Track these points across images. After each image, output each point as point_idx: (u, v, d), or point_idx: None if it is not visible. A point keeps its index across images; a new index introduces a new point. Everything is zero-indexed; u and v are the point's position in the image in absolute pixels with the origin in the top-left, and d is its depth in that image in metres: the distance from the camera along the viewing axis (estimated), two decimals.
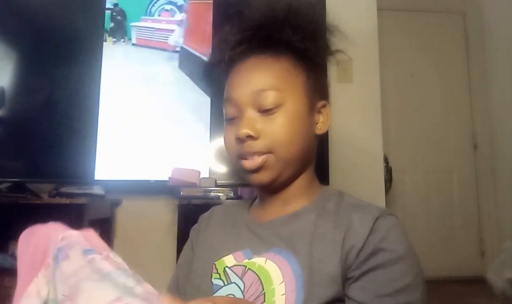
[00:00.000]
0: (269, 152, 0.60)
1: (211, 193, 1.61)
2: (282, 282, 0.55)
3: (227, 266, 0.60)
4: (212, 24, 1.90)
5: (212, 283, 0.61)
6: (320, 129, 0.66)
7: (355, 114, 1.97)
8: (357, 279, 0.53)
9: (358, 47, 2.05)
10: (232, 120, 0.64)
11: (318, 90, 0.66)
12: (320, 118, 0.66)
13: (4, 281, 1.47)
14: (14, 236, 1.78)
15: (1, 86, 1.76)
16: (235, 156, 0.63)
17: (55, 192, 1.64)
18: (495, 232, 3.11)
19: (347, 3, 2.00)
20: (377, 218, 0.56)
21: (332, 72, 1.98)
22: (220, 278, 0.60)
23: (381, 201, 1.91)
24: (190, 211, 1.53)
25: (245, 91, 0.62)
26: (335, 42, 0.68)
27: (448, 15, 3.44)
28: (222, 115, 0.67)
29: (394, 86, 3.17)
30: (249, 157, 0.61)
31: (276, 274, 0.56)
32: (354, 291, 0.53)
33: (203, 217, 0.76)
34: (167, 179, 1.66)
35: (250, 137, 0.60)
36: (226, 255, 0.62)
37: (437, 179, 3.26)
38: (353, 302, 0.53)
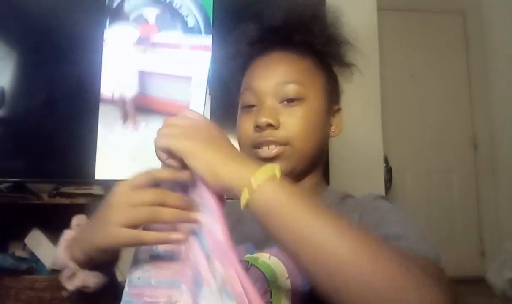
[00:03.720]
0: (286, 143, 0.60)
1: None
2: (288, 277, 0.54)
3: None
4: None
5: None
6: (334, 132, 0.69)
7: (355, 114, 1.97)
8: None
9: (358, 47, 2.05)
10: (249, 109, 0.64)
11: (334, 94, 0.70)
12: (335, 121, 0.70)
13: (4, 281, 1.47)
14: (14, 236, 1.78)
15: (1, 86, 1.76)
16: (250, 145, 0.63)
17: (55, 192, 1.64)
18: (495, 232, 3.11)
19: (347, 3, 2.00)
20: (380, 197, 0.61)
21: None
22: None
23: None
24: None
25: (269, 82, 0.63)
26: (349, 56, 0.71)
27: (448, 15, 3.44)
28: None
29: (394, 86, 3.17)
30: (266, 146, 0.61)
31: (281, 270, 0.55)
32: None
33: None
34: None
35: (270, 125, 0.60)
36: None
37: (437, 179, 3.26)
38: None
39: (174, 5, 1.90)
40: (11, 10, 1.83)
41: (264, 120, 0.60)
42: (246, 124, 0.63)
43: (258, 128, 0.61)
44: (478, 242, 3.21)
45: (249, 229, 0.62)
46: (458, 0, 3.44)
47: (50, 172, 1.73)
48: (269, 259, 0.57)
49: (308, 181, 0.65)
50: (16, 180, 1.68)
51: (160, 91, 1.85)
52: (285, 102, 0.62)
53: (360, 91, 2.01)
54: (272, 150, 0.60)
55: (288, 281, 0.54)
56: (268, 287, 0.55)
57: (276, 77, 0.63)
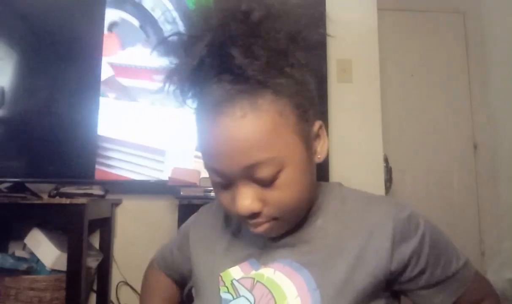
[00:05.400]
0: (275, 219, 0.53)
1: (211, 193, 1.61)
2: (298, 296, 0.52)
3: (234, 279, 0.57)
4: None
5: (221, 297, 0.57)
6: (319, 157, 0.56)
7: (355, 114, 1.97)
8: (429, 285, 0.58)
9: (358, 47, 2.06)
10: (223, 185, 0.53)
11: (309, 116, 0.53)
12: (319, 143, 0.56)
13: (4, 281, 1.46)
14: (14, 236, 1.79)
15: (1, 86, 1.76)
16: (237, 220, 0.58)
17: (55, 192, 1.64)
18: (495, 232, 3.11)
19: (347, 3, 2.00)
20: (393, 219, 0.55)
21: (332, 72, 1.98)
22: (228, 292, 0.57)
23: None
24: (190, 211, 1.52)
25: (234, 165, 0.49)
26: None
27: (448, 15, 3.43)
28: None
29: (394, 86, 3.17)
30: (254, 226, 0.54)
31: (289, 287, 0.53)
32: (434, 298, 0.58)
33: (193, 225, 0.71)
34: (167, 179, 1.66)
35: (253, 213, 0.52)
36: (233, 266, 0.58)
37: (437, 179, 3.25)
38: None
39: None
40: (11, 10, 1.82)
41: (244, 211, 0.51)
42: (226, 202, 0.54)
43: (240, 216, 0.52)
44: (478, 242, 3.20)
45: (250, 242, 0.60)
46: (458, 0, 3.44)
47: (50, 172, 1.73)
48: (274, 274, 0.54)
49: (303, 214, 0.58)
50: (16, 180, 1.68)
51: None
52: (261, 185, 0.50)
53: (360, 91, 2.02)
54: (262, 227, 0.53)
55: (299, 299, 0.52)
56: None
57: (242, 160, 0.48)
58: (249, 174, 0.49)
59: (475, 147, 3.30)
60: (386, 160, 2.21)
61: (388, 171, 2.57)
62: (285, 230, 0.56)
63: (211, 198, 1.60)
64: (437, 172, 3.26)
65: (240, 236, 0.62)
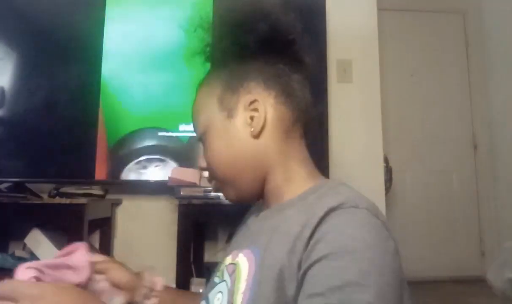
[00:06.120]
0: (213, 178, 0.63)
1: (211, 193, 1.60)
2: (245, 279, 0.52)
3: (225, 265, 0.60)
4: None
5: (214, 281, 0.61)
6: (253, 131, 0.57)
7: (355, 114, 1.97)
8: (301, 280, 0.46)
9: (358, 47, 2.06)
10: None
11: (239, 88, 0.58)
12: (254, 117, 0.57)
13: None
14: (14, 236, 1.78)
15: (1, 86, 1.76)
16: None
17: (55, 192, 1.64)
18: (495, 232, 3.11)
19: (347, 3, 2.00)
20: (332, 208, 0.47)
21: (332, 72, 1.98)
22: (218, 276, 0.60)
23: (381, 201, 1.91)
24: (190, 211, 1.53)
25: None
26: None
27: (448, 15, 3.44)
28: None
29: (394, 86, 3.18)
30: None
31: (245, 272, 0.53)
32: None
33: None
34: (167, 179, 1.66)
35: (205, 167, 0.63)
36: (229, 254, 0.61)
37: (437, 179, 3.26)
38: None
39: None
40: (11, 10, 1.83)
41: (199, 165, 0.65)
42: None
43: None
44: (478, 242, 3.21)
45: (244, 233, 0.64)
46: (458, 0, 3.44)
47: (50, 172, 1.73)
48: (241, 260, 0.55)
49: (270, 185, 0.59)
50: (16, 180, 1.68)
51: None
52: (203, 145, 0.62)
53: (360, 91, 2.02)
54: (212, 184, 0.64)
55: (245, 283, 0.51)
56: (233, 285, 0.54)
57: (192, 117, 0.65)
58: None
59: (475, 147, 3.30)
60: (386, 160, 2.21)
61: (388, 171, 2.58)
62: (233, 196, 0.61)
63: (211, 198, 1.60)
64: (437, 172, 3.27)
65: (242, 225, 0.67)
